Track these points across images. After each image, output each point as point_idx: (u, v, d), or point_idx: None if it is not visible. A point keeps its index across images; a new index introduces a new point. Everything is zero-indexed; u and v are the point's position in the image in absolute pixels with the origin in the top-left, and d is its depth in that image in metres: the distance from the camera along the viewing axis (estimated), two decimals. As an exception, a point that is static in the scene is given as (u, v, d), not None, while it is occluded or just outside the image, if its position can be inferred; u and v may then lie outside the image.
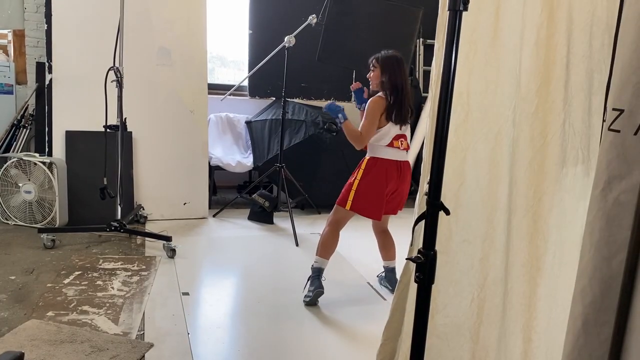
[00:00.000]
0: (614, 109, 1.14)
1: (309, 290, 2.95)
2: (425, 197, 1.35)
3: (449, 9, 1.19)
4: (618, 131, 1.12)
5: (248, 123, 5.24)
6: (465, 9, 1.17)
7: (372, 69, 3.00)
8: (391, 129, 2.93)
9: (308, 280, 3.00)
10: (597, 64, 1.59)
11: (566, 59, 1.60)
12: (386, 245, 3.24)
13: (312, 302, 2.93)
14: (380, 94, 2.94)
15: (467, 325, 1.74)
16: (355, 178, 2.93)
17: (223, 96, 4.82)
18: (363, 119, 2.92)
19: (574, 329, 1.20)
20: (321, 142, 4.80)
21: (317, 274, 2.98)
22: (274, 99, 5.32)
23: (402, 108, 2.92)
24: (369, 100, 2.94)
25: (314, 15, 4.17)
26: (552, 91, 1.61)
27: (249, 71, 5.08)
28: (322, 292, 2.95)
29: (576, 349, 1.19)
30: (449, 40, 1.20)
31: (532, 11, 1.58)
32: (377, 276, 3.33)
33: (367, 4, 4.39)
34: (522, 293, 1.71)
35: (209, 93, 4.60)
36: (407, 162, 3.03)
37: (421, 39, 5.59)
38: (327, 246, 2.99)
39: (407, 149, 3.02)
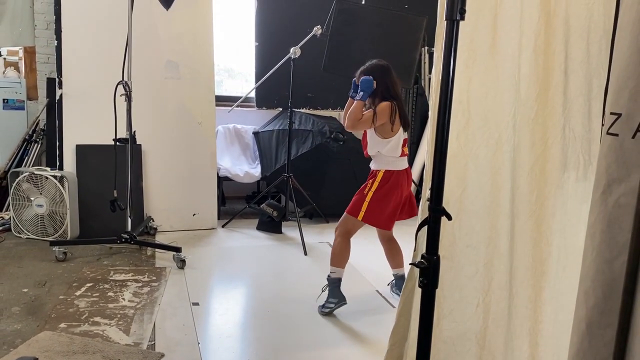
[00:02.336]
0: (611, 113, 1.16)
1: (331, 301, 2.96)
2: (428, 202, 1.37)
3: (446, 19, 1.22)
4: (616, 135, 1.14)
5: (255, 134, 5.28)
6: (462, 18, 1.20)
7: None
8: (401, 136, 2.97)
9: (325, 289, 3.01)
10: (595, 69, 1.61)
11: (564, 65, 1.62)
12: (393, 253, 3.23)
13: (331, 312, 2.95)
14: (385, 102, 2.92)
15: (474, 329, 1.75)
16: (370, 190, 2.93)
17: (231, 108, 4.87)
18: (371, 112, 2.87)
19: (578, 331, 1.21)
20: (328, 151, 4.84)
21: (336, 284, 2.99)
22: (280, 109, 5.37)
23: (404, 112, 2.98)
24: (381, 104, 2.89)
25: (318, 26, 4.22)
26: (551, 97, 1.63)
27: (256, 82, 5.13)
28: (345, 303, 2.97)
29: (581, 352, 1.20)
30: (446, 48, 1.23)
31: (529, 19, 1.61)
32: (388, 284, 3.34)
33: (371, 14, 4.43)
34: (527, 297, 1.72)
35: (217, 105, 4.65)
36: (408, 167, 3.08)
37: (426, 47, 5.62)
38: (341, 256, 3.00)
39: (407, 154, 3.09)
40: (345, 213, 3.00)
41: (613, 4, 1.53)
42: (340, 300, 2.96)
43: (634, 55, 1.12)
